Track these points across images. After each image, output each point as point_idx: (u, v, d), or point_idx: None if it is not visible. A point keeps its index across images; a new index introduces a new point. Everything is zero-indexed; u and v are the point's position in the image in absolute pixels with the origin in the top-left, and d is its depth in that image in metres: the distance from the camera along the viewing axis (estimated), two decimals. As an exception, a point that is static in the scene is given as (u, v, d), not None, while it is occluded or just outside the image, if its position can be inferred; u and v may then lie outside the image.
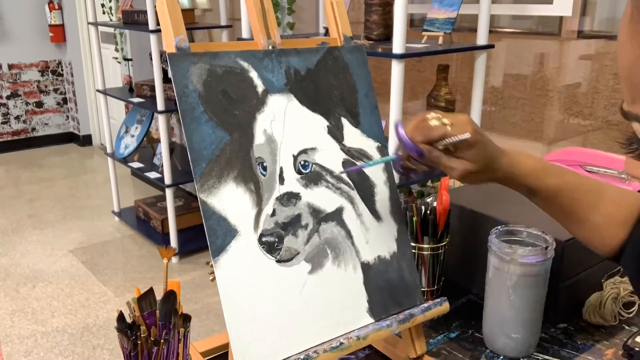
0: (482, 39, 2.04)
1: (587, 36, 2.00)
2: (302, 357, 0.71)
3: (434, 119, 0.69)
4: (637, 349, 0.87)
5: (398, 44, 1.80)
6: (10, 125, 5.39)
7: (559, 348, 0.92)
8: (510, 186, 0.73)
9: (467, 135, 0.67)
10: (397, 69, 1.80)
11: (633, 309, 0.97)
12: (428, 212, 0.99)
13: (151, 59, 3.49)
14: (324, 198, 0.78)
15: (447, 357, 0.90)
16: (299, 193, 0.76)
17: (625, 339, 0.90)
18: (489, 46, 2.06)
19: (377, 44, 2.11)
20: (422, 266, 1.01)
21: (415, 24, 2.60)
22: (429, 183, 2.44)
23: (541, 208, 0.76)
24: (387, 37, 2.19)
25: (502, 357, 0.90)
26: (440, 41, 2.07)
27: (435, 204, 1.00)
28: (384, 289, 0.81)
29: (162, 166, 3.15)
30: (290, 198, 0.75)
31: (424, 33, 2.13)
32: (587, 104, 1.99)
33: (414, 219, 0.99)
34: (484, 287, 0.92)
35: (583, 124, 2.02)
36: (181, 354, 0.71)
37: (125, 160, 3.47)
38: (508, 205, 1.09)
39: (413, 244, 1.00)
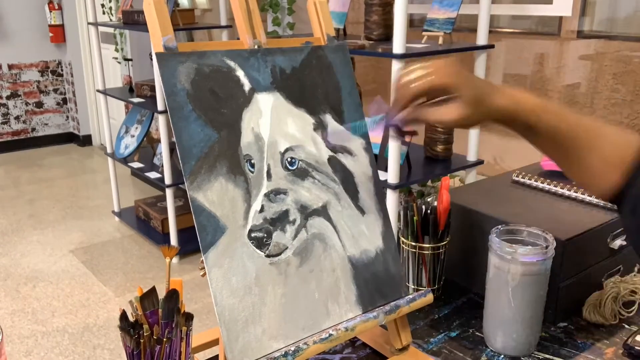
0: (482, 39, 2.04)
1: (586, 36, 2.01)
2: (292, 348, 0.72)
3: (414, 71, 0.67)
4: (637, 347, 0.87)
5: (398, 44, 1.80)
6: (10, 126, 5.39)
7: (559, 347, 0.92)
8: (508, 125, 0.70)
9: None
10: (397, 69, 1.81)
11: (633, 308, 0.97)
12: (429, 211, 0.99)
13: (151, 59, 3.49)
14: (310, 194, 0.79)
15: (448, 356, 0.90)
16: (286, 189, 0.77)
17: (626, 338, 0.91)
18: (489, 46, 2.06)
19: (377, 44, 2.11)
20: (422, 266, 1.02)
21: (415, 24, 2.60)
22: (429, 183, 2.44)
23: (537, 147, 0.73)
24: (387, 37, 2.19)
25: (502, 356, 0.90)
26: (440, 41, 2.07)
27: (435, 203, 1.00)
28: (370, 281, 0.83)
29: (162, 166, 3.16)
30: (277, 194, 0.76)
31: (424, 33, 2.14)
32: (586, 103, 2.00)
33: (415, 218, 0.99)
34: (485, 287, 0.92)
35: (583, 124, 2.02)
36: (183, 353, 0.71)
37: (125, 160, 3.48)
38: (508, 204, 1.09)
39: (413, 244, 1.00)
